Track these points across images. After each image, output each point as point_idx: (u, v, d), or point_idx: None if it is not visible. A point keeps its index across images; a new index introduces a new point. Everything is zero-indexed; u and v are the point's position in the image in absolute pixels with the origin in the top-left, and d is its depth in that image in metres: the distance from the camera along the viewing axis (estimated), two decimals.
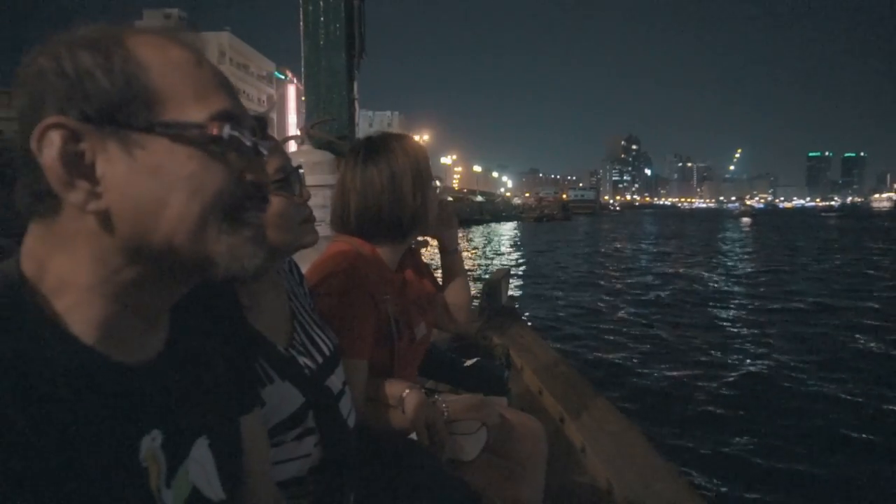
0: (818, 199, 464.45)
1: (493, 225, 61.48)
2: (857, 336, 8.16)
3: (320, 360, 1.04)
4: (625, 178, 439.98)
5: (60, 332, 0.48)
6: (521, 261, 21.43)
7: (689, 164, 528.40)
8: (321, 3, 3.23)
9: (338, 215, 1.39)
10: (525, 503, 1.39)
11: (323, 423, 0.99)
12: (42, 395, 0.44)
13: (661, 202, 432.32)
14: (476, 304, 4.30)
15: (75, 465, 0.44)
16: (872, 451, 4.50)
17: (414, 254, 1.56)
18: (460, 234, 1.89)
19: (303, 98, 3.41)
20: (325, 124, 3.27)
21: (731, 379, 6.20)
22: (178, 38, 0.53)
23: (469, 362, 2.01)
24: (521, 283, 14.93)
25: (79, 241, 0.49)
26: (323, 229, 1.26)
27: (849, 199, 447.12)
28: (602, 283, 14.85)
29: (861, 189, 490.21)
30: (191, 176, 0.49)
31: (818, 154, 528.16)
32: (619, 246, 29.77)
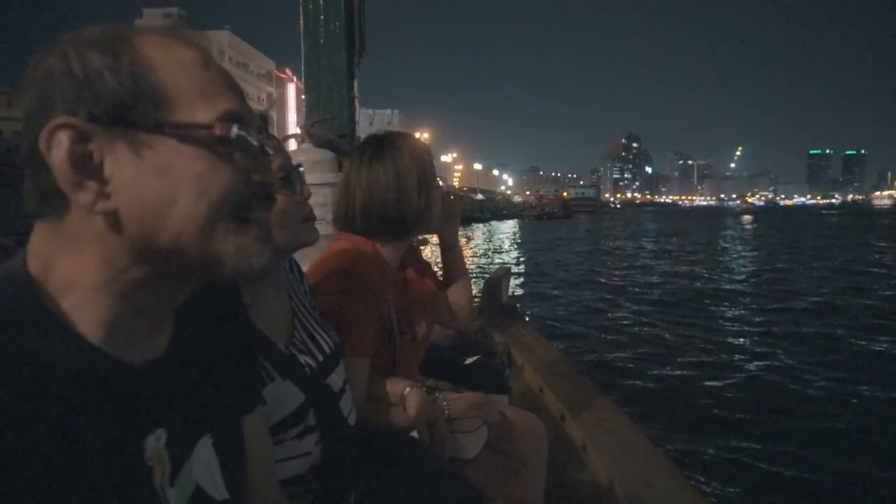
0: (819, 197, 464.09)
1: (493, 223, 61.49)
2: (860, 335, 8.14)
3: (321, 358, 1.04)
4: (625, 175, 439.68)
5: (67, 331, 0.48)
6: (521, 259, 21.44)
7: (690, 162, 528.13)
8: (321, 1, 3.23)
9: (342, 213, 1.39)
10: (526, 501, 1.39)
11: (324, 421, 0.99)
12: (48, 393, 0.44)
13: (662, 200, 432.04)
14: (477, 302, 4.30)
15: (81, 464, 0.44)
16: (874, 451, 4.47)
17: (415, 252, 1.57)
18: (461, 233, 1.89)
19: (303, 96, 3.41)
20: (326, 123, 3.27)
21: (731, 378, 6.20)
22: (184, 39, 0.53)
23: (470, 360, 2.01)
24: (522, 281, 14.94)
25: (86, 241, 0.49)
26: (323, 227, 1.26)
27: (850, 197, 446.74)
28: (603, 281, 14.85)
29: (862, 187, 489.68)
30: (198, 176, 0.49)
31: (819, 151, 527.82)
32: (619, 244, 29.77)
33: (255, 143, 0.52)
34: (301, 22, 3.29)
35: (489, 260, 20.89)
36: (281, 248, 1.01)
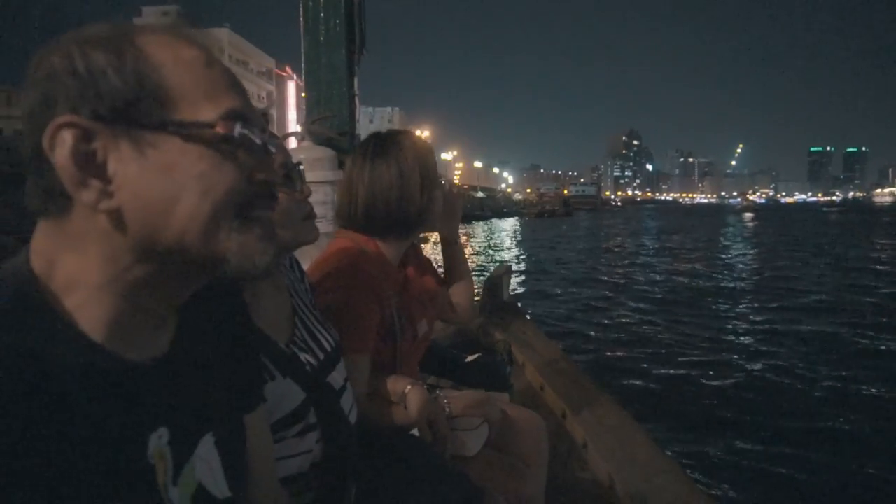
0: (820, 194, 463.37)
1: (494, 221, 61.47)
2: (863, 333, 8.09)
3: (321, 356, 1.04)
4: (626, 173, 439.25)
5: (70, 329, 0.48)
6: (522, 257, 21.43)
7: (691, 160, 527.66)
8: None
9: (344, 210, 1.39)
10: (527, 498, 1.39)
11: (324, 419, 0.99)
12: (52, 392, 0.44)
13: (663, 197, 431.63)
14: (477, 300, 4.29)
15: (85, 462, 0.44)
16: (878, 451, 4.43)
17: (415, 249, 1.57)
18: (461, 230, 1.89)
19: (303, 94, 3.41)
20: (326, 121, 3.27)
21: (733, 377, 6.18)
22: (188, 37, 0.53)
23: (470, 358, 2.01)
24: (523, 279, 14.94)
25: (89, 239, 0.49)
26: (324, 225, 1.26)
27: (850, 194, 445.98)
28: (604, 279, 14.85)
29: (863, 184, 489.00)
30: (202, 175, 0.49)
31: (820, 149, 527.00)
32: (620, 241, 29.75)
33: (258, 141, 0.52)
34: (301, 19, 3.29)
35: (489, 258, 20.89)
36: (282, 246, 1.01)
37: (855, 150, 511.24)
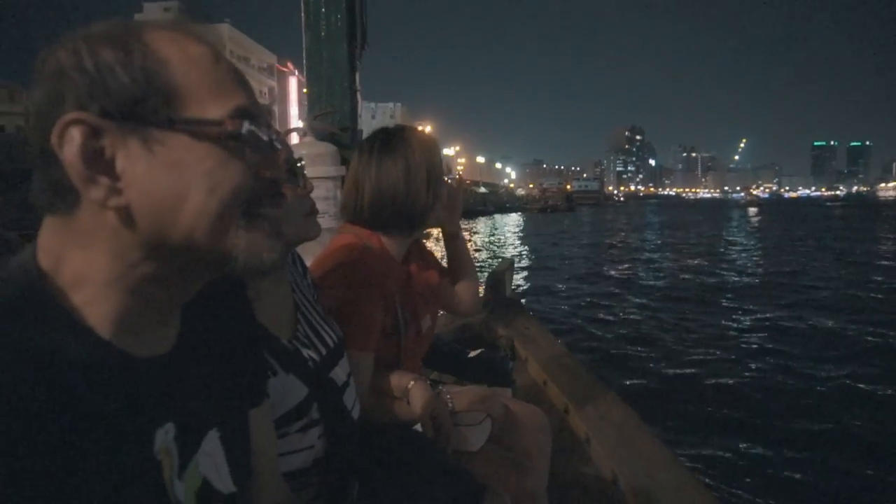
0: (823, 189, 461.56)
1: (496, 216, 61.36)
2: (871, 330, 7.95)
3: (324, 351, 1.04)
4: (629, 168, 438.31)
5: (78, 325, 0.48)
6: (525, 252, 21.41)
7: (694, 154, 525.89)
8: None
9: (350, 205, 1.39)
10: (530, 494, 1.39)
11: (327, 414, 0.99)
12: (59, 387, 0.44)
13: (666, 192, 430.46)
14: (480, 296, 4.28)
15: (92, 457, 0.45)
16: (887, 451, 4.37)
17: (418, 244, 1.56)
18: (464, 226, 1.87)
19: (304, 90, 3.40)
20: (328, 116, 3.26)
21: (738, 374, 6.11)
22: (195, 34, 0.52)
23: (473, 354, 2.01)
24: (526, 274, 14.92)
25: (97, 236, 0.49)
26: (325, 221, 1.26)
27: (854, 189, 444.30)
28: (607, 274, 14.80)
29: (867, 178, 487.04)
30: (209, 173, 0.49)
31: (823, 143, 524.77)
32: (623, 237, 29.69)
33: (265, 138, 0.52)
34: (302, 14, 3.28)
35: (492, 253, 20.87)
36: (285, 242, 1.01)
37: (859, 144, 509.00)
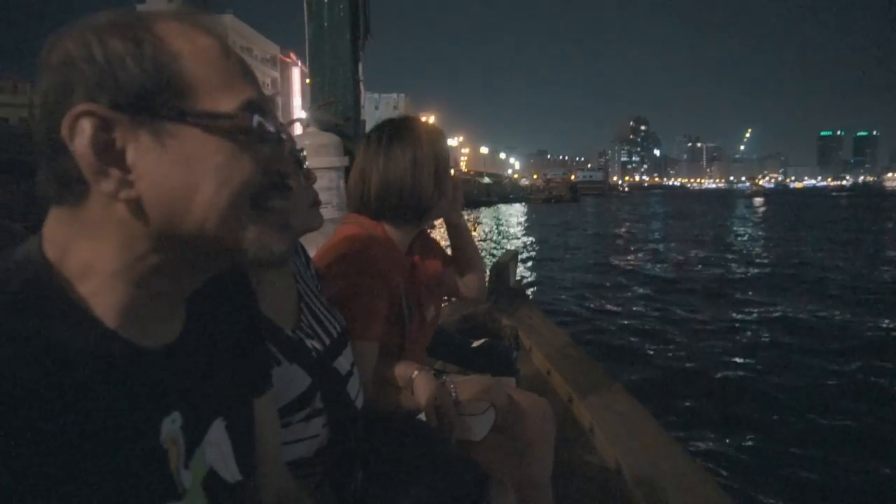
0: (830, 179, 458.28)
1: (500, 207, 61.18)
2: (884, 324, 7.80)
3: (328, 341, 1.04)
4: (633, 158, 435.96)
5: (84, 315, 0.48)
6: (529, 243, 21.37)
7: (699, 145, 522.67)
8: None
9: (357, 195, 1.39)
10: (534, 483, 1.40)
11: (331, 404, 1.00)
12: (66, 377, 0.44)
13: (671, 183, 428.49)
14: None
15: (99, 447, 0.45)
16: (892, 446, 4.29)
17: (422, 233, 1.57)
18: (468, 217, 1.88)
19: (307, 81, 3.39)
20: (331, 106, 3.25)
21: (744, 367, 6.03)
22: (203, 25, 0.52)
23: (477, 343, 2.01)
24: (530, 265, 14.90)
25: (106, 227, 0.49)
26: (329, 212, 1.26)
27: (861, 179, 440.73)
28: (611, 264, 14.74)
29: (874, 168, 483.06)
30: (220, 166, 0.49)
31: (830, 133, 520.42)
32: (628, 227, 29.57)
33: (273, 130, 0.52)
34: (305, 5, 3.26)
35: (496, 244, 20.84)
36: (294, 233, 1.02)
37: (865, 133, 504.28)
